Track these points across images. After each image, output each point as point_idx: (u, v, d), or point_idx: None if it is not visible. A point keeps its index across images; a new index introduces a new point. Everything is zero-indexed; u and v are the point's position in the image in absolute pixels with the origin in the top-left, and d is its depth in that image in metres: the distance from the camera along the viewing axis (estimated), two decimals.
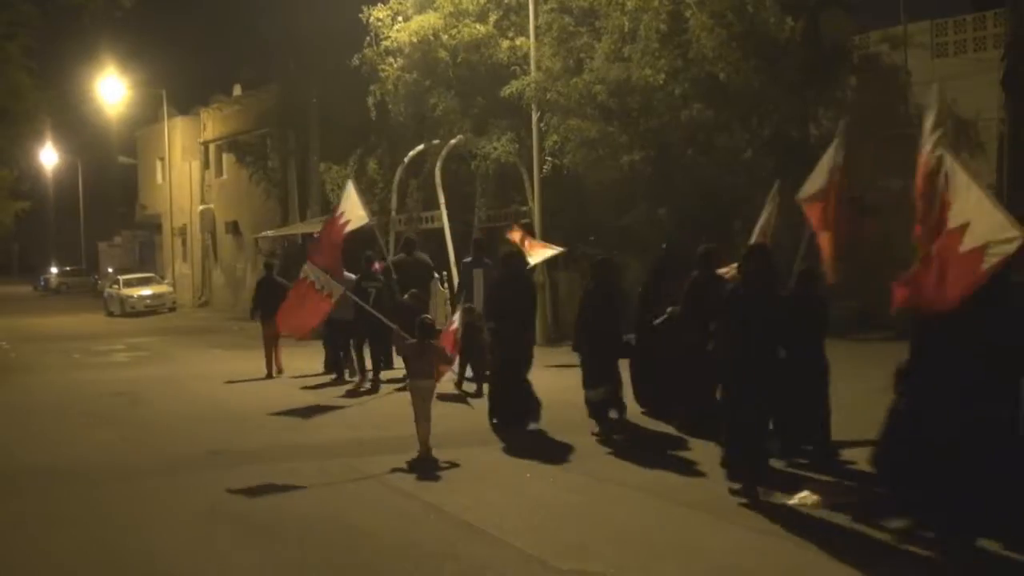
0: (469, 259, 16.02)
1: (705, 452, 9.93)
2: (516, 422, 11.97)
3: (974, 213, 7.59)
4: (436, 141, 24.48)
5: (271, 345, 18.12)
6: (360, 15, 24.42)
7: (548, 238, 21.45)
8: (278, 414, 14.02)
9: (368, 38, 24.46)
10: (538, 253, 17.64)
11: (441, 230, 23.82)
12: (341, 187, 27.22)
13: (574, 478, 9.57)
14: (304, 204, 35.22)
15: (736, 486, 8.56)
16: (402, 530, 8.03)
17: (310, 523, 8.31)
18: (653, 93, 20.71)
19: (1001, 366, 7.48)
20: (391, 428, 12.49)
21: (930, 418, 7.60)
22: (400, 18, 24.24)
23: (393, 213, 26.14)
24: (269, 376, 17.99)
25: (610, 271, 11.86)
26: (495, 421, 12.20)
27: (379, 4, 24.53)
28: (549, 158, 21.95)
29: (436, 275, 19.39)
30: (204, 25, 69.25)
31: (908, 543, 7.30)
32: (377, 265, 16.60)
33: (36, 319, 40.43)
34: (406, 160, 25.33)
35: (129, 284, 42.19)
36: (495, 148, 22.70)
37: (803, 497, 8.29)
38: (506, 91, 21.91)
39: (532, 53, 21.85)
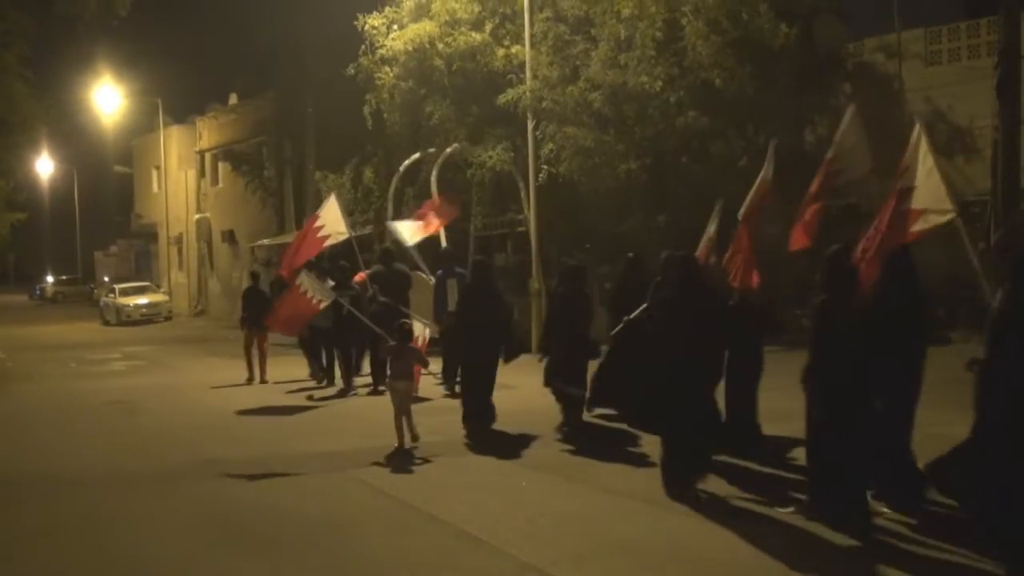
0: (441, 271, 16.09)
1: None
2: (476, 422, 12.39)
3: (923, 180, 8.42)
4: (432, 150, 24.50)
5: (251, 350, 18.70)
6: (355, 23, 24.44)
7: (544, 246, 21.50)
8: (277, 423, 14.01)
9: (363, 46, 24.48)
10: (421, 232, 18.61)
11: (437, 239, 23.82)
12: (336, 195, 27.32)
13: (572, 486, 9.57)
14: (300, 213, 35.22)
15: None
16: (401, 539, 8.02)
17: (309, 533, 8.30)
18: (649, 100, 20.76)
19: (901, 356, 7.96)
20: (391, 437, 12.49)
21: (840, 413, 7.74)
22: (395, 26, 24.27)
23: (389, 221, 26.15)
24: (250, 380, 18.55)
25: (579, 277, 12.50)
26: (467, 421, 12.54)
27: (374, 12, 24.55)
28: (545, 166, 21.97)
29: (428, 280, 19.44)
30: (200, 34, 69.45)
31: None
32: (358, 276, 16.87)
33: (32, 328, 40.42)
34: (402, 169, 25.34)
35: (125, 293, 42.23)
36: (491, 157, 22.72)
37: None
38: (502, 99, 21.94)
39: (528, 61, 21.88)
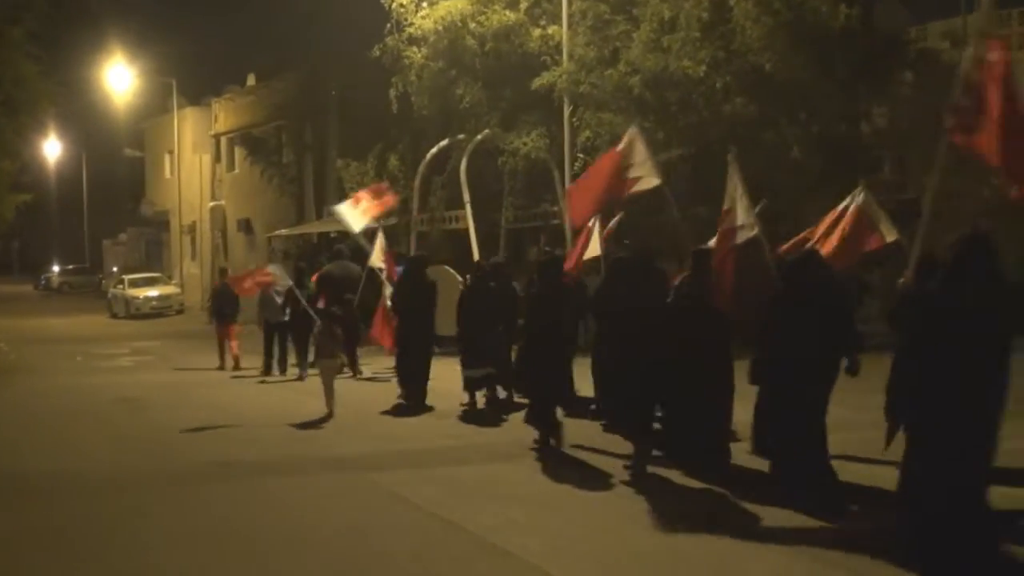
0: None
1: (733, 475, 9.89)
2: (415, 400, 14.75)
3: (740, 204, 10.61)
4: (461, 136, 24.52)
5: (224, 341, 21.13)
6: (382, 1, 24.47)
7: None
8: (289, 423, 14.06)
9: (390, 25, 24.50)
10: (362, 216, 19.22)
11: (466, 231, 23.82)
12: (359, 184, 27.45)
13: (602, 496, 9.54)
14: (320, 201, 35.37)
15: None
16: (422, 549, 8.01)
17: (323, 540, 8.31)
18: (693, 86, 20.64)
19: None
20: (407, 441, 12.54)
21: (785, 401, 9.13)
22: (425, 4, 24.30)
23: (415, 212, 26.19)
24: (221, 368, 20.87)
25: (554, 270, 12.67)
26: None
27: None
28: (581, 155, 21.93)
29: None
30: (217, 11, 69.74)
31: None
32: (314, 276, 19.28)
33: (37, 320, 40.79)
34: (429, 156, 25.38)
35: (135, 284, 42.51)
36: (524, 144, 22.72)
37: None
38: (536, 83, 21.92)
39: (565, 42, 21.85)
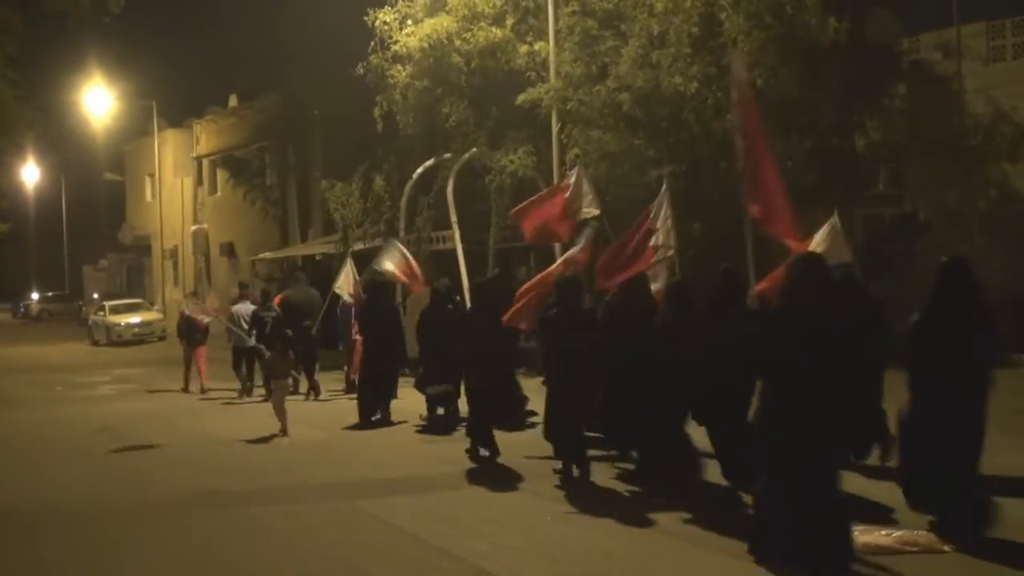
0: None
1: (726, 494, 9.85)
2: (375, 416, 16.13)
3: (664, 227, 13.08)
4: (448, 155, 24.51)
5: (190, 363, 22.29)
6: (365, 19, 24.48)
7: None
8: (276, 452, 14.02)
9: (373, 43, 24.51)
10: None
11: (453, 251, 23.79)
12: (344, 206, 27.44)
13: (599, 521, 9.48)
14: (305, 224, 35.33)
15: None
16: None
17: (311, 571, 8.25)
18: (684, 102, 20.65)
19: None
20: (395, 468, 12.50)
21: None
22: (409, 22, 24.30)
23: (402, 233, 26.14)
24: (185, 390, 22.05)
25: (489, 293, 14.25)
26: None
27: (386, 7, 24.58)
28: (569, 172, 21.91)
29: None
30: (197, 32, 69.88)
31: None
32: (276, 299, 20.87)
33: (15, 348, 40.60)
34: (415, 176, 25.35)
35: (116, 311, 42.36)
36: (511, 161, 22.70)
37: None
38: (522, 98, 21.91)
39: (552, 59, 21.86)
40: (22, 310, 69.05)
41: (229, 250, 43.02)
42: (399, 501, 10.56)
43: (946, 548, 7.88)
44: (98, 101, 45.80)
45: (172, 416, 18.37)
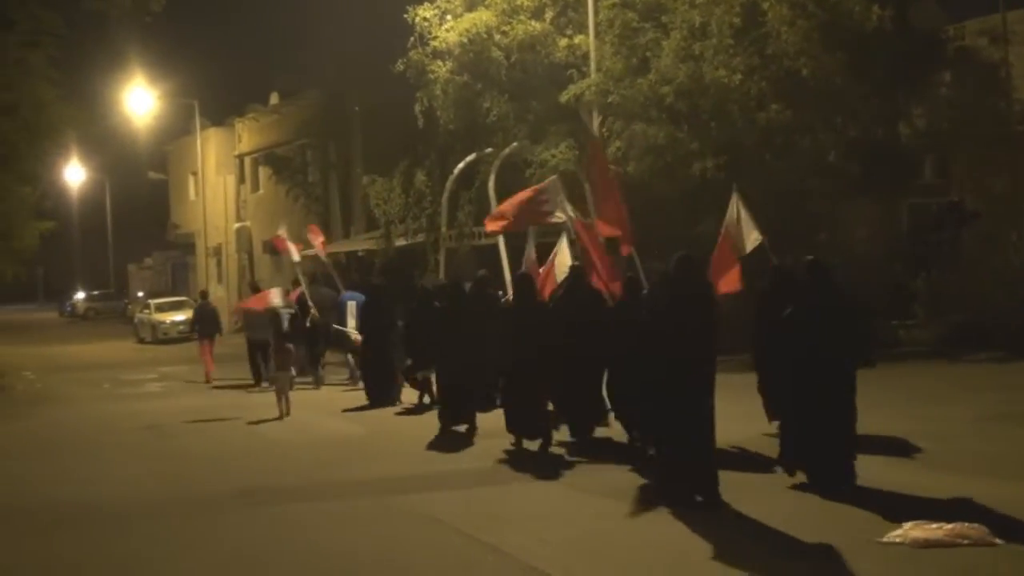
0: (344, 294, 21.48)
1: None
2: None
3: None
4: (489, 150, 24.52)
5: (206, 356, 24.01)
6: (405, 15, 24.54)
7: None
8: (316, 448, 14.08)
9: (413, 39, 24.56)
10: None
11: (495, 246, 23.79)
12: (386, 201, 27.55)
13: (644, 515, 9.47)
14: (347, 220, 35.43)
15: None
16: (459, 574, 7.98)
17: (357, 567, 8.28)
18: (727, 94, 20.53)
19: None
20: (438, 463, 12.54)
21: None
22: (449, 17, 24.34)
23: (443, 229, 26.19)
24: (208, 381, 23.50)
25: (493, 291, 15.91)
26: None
27: (425, 3, 24.62)
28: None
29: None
30: (239, 31, 70.28)
31: None
32: (292, 295, 21.72)
33: (62, 347, 41.06)
34: (456, 171, 25.39)
35: (161, 309, 42.73)
36: (552, 156, 22.68)
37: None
38: (564, 96, 21.90)
39: (592, 52, 21.82)
40: (68, 308, 69.75)
41: (272, 247, 43.22)
42: (440, 496, 10.58)
43: (997, 541, 7.81)
44: (140, 100, 46.03)
45: (217, 412, 18.47)
